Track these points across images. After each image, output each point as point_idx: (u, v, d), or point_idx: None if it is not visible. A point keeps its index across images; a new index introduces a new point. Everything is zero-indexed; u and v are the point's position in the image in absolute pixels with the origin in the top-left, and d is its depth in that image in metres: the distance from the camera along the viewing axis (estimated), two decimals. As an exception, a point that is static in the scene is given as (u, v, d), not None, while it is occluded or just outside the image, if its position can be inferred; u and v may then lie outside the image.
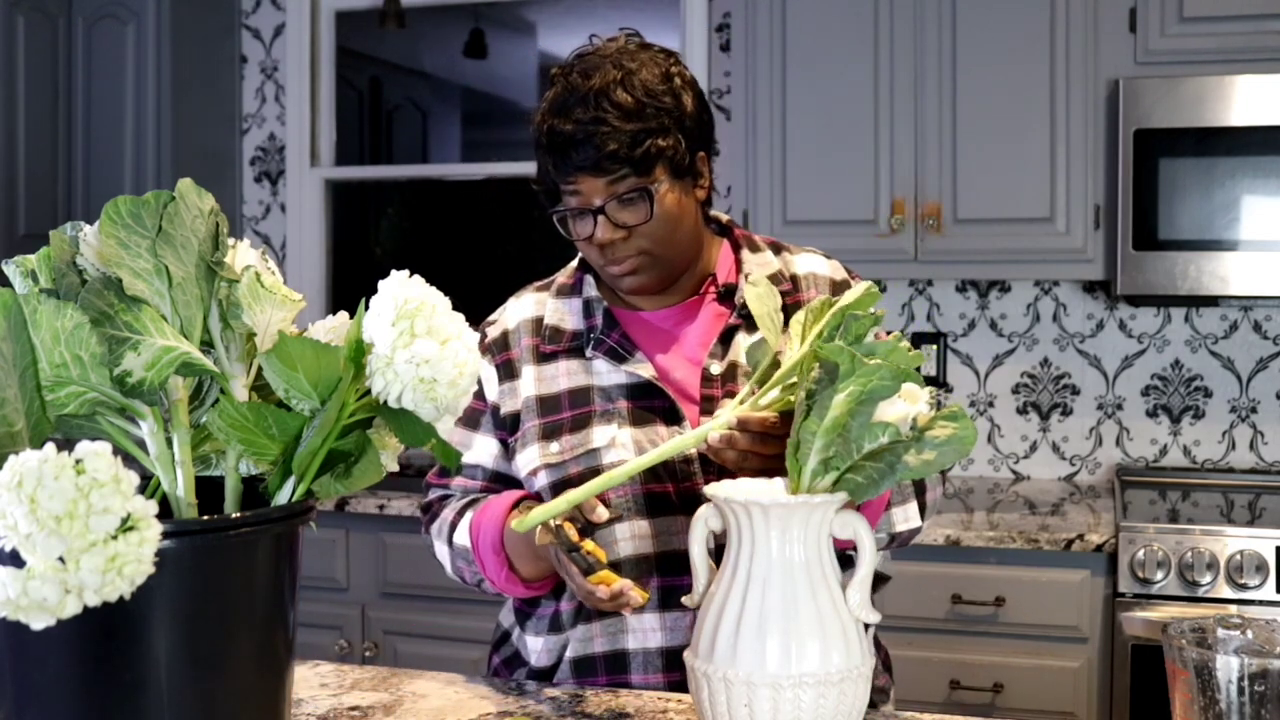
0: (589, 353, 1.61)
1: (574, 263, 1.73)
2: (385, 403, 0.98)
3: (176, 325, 0.97)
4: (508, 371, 1.66)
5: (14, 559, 0.79)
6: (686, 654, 1.21)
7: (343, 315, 1.08)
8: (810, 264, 1.67)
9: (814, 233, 3.01)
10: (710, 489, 1.21)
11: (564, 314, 1.66)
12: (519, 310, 1.70)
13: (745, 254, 1.66)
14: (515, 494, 1.60)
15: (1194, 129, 2.81)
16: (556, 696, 1.46)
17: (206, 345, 1.01)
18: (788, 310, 1.59)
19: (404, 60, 4.41)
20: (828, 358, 1.15)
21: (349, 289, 4.05)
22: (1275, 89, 2.77)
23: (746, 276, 1.62)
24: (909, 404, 1.14)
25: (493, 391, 1.66)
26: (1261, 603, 2.53)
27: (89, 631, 0.86)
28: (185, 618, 0.91)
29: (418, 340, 0.97)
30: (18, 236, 3.54)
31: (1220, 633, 1.10)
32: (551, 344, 1.64)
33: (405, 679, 1.51)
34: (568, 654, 1.58)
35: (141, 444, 0.99)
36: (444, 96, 4.53)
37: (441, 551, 1.66)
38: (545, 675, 1.61)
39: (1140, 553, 2.57)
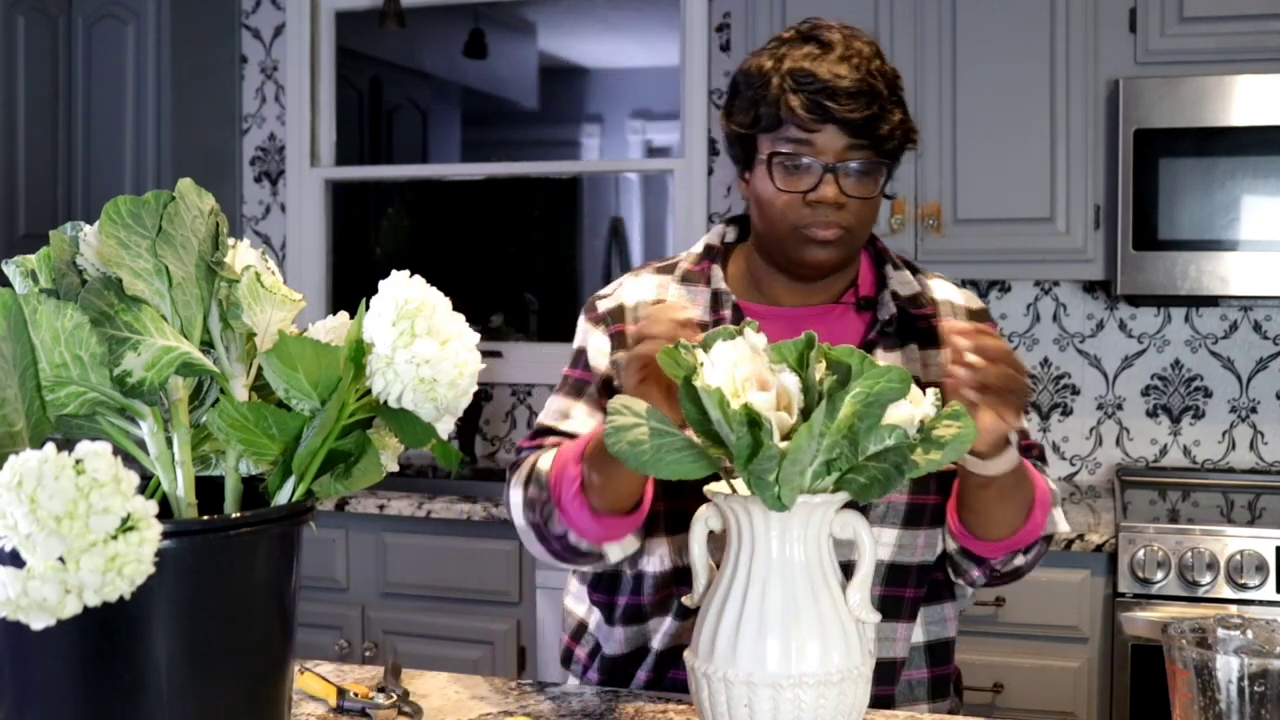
0: None
1: (698, 248, 1.67)
2: (385, 403, 0.98)
3: (176, 325, 0.97)
4: (621, 343, 1.59)
5: (14, 559, 0.79)
6: (687, 654, 1.21)
7: (343, 315, 1.08)
8: (946, 291, 1.67)
9: (814, 233, 3.00)
10: (710, 489, 1.21)
11: (688, 302, 1.60)
12: (637, 290, 1.65)
13: (889, 270, 1.64)
14: None
15: (1194, 129, 2.81)
16: (556, 696, 1.46)
17: (206, 345, 1.01)
18: (925, 333, 1.60)
19: (404, 60, 4.41)
20: (838, 359, 1.15)
21: (349, 289, 4.05)
22: (1275, 89, 2.77)
23: (894, 295, 1.61)
24: (914, 406, 1.14)
25: (603, 360, 1.61)
26: (1261, 603, 2.53)
27: (89, 631, 0.86)
28: (185, 618, 0.91)
29: (418, 340, 0.97)
30: (18, 236, 3.54)
31: (1220, 633, 1.10)
32: None
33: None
34: (655, 645, 1.58)
35: (141, 444, 0.99)
36: (444, 96, 4.53)
37: (515, 497, 1.54)
38: (623, 664, 1.60)
39: (1140, 553, 2.57)
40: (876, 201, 1.56)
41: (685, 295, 1.61)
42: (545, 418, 1.63)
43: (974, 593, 1.69)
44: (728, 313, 1.58)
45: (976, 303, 1.68)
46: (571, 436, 1.56)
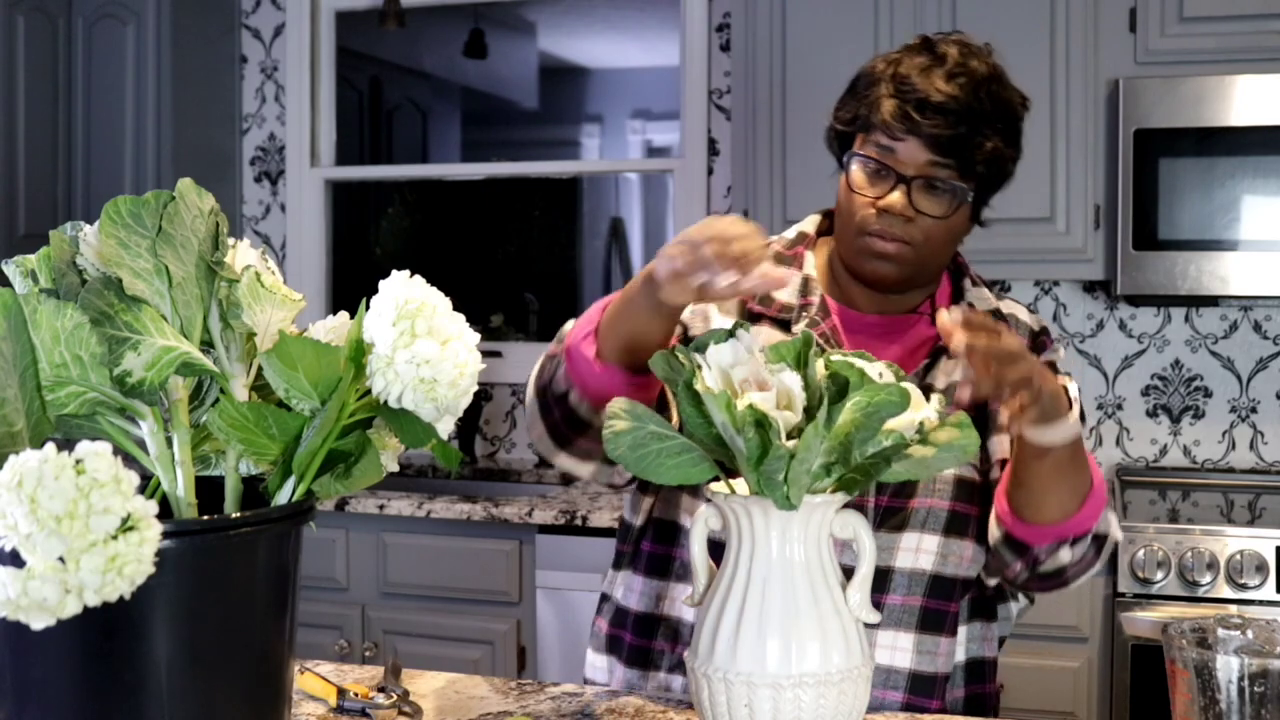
0: (796, 329, 1.53)
1: (791, 233, 1.66)
2: (386, 403, 0.98)
3: (176, 325, 0.97)
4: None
5: (14, 559, 0.79)
6: (686, 654, 1.21)
7: (343, 315, 1.08)
8: (1013, 308, 1.66)
9: (814, 233, 3.01)
10: (710, 489, 1.21)
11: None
12: None
13: (967, 284, 1.64)
14: None
15: (1194, 129, 2.81)
16: (556, 696, 1.46)
17: (206, 345, 1.01)
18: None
19: (404, 60, 4.41)
20: (838, 371, 1.15)
21: (349, 289, 4.06)
22: (1275, 89, 2.77)
23: (971, 305, 1.59)
24: (913, 411, 1.14)
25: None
26: (1261, 603, 2.53)
27: (89, 631, 0.86)
28: (185, 618, 0.91)
29: (418, 340, 0.97)
30: (18, 236, 3.54)
31: (1220, 633, 1.10)
32: (761, 305, 1.56)
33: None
34: (665, 610, 1.57)
35: (141, 444, 0.99)
36: (444, 96, 4.54)
37: (538, 363, 1.54)
38: (643, 623, 1.59)
39: (1140, 553, 2.57)
40: (953, 224, 1.53)
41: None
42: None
43: (1016, 616, 1.66)
44: (815, 299, 1.57)
45: (1041, 324, 1.67)
46: None
